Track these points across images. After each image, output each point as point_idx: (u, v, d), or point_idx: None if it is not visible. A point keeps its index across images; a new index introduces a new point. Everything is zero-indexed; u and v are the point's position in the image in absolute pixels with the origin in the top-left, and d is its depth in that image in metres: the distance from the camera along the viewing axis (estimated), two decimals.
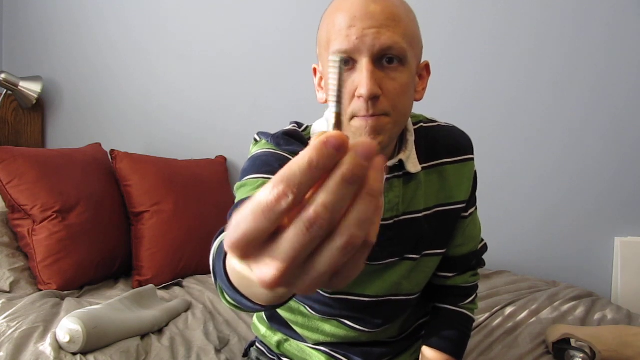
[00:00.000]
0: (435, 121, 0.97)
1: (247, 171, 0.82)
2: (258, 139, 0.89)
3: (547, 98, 2.09)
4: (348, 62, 0.76)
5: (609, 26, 2.02)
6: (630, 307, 1.75)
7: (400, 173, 0.88)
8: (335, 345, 1.01)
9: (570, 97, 2.08)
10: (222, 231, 0.62)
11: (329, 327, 0.98)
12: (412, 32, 0.78)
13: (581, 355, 1.26)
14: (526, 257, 2.14)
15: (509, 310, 1.60)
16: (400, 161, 0.86)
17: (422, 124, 0.95)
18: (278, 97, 2.24)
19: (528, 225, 2.15)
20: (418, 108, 1.01)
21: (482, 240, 1.09)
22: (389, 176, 0.86)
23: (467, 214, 0.99)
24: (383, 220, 0.88)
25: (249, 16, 2.25)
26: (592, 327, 1.46)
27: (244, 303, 0.53)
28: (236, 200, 0.78)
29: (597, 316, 1.57)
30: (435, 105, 2.08)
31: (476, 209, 1.03)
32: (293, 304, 0.99)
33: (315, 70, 0.88)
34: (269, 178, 0.73)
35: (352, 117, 0.77)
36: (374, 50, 0.74)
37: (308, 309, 0.97)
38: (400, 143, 0.89)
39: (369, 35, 0.73)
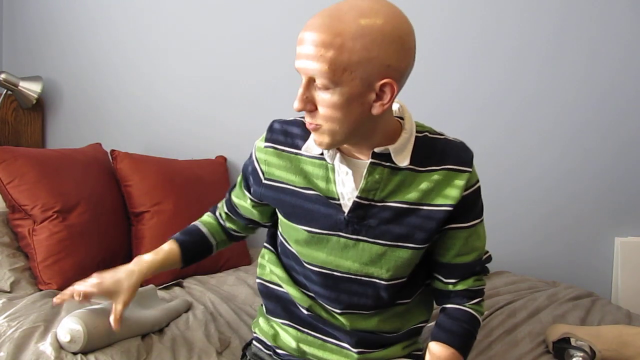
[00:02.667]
0: (442, 134, 1.01)
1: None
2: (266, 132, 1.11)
3: (547, 98, 2.10)
4: None
5: (608, 26, 2.02)
6: (630, 307, 1.76)
7: (387, 163, 0.94)
8: (326, 333, 1.07)
9: (571, 97, 2.08)
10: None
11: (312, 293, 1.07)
12: (353, 57, 0.81)
13: (581, 354, 1.26)
14: (526, 257, 2.14)
15: (508, 310, 1.60)
16: (389, 153, 0.92)
17: (427, 133, 0.99)
18: (279, 97, 2.24)
19: (528, 225, 2.15)
20: (420, 110, 1.01)
21: (487, 252, 1.09)
22: (374, 161, 0.93)
23: (464, 226, 1.00)
24: (357, 198, 0.95)
25: (251, 17, 2.25)
26: (592, 326, 1.46)
27: None
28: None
29: (597, 316, 1.58)
30: (436, 106, 2.09)
31: (481, 222, 1.04)
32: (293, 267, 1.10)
33: None
34: (257, 168, 1.09)
35: None
36: (306, 75, 0.86)
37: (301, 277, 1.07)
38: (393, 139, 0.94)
39: (300, 63, 0.85)
